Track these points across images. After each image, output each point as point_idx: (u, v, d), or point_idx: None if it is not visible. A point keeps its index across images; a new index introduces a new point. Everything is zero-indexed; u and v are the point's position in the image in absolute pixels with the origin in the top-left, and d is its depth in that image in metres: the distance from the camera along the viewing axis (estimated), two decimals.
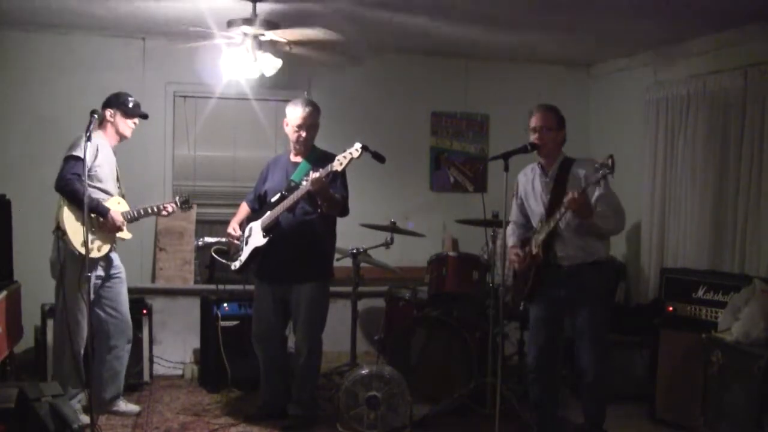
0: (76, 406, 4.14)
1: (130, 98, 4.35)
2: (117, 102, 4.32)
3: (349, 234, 4.79)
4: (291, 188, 4.24)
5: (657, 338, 4.66)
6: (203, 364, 5.25)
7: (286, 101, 4.62)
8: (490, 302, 4.58)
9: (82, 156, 3.78)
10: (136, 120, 4.40)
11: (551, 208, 3.96)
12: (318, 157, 4.29)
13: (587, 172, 3.80)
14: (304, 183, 4.13)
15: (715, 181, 4.98)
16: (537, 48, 5.85)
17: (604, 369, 4.03)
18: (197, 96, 5.86)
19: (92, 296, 4.20)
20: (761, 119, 4.64)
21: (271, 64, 4.60)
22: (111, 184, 4.33)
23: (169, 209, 4.50)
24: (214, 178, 6.03)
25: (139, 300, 5.01)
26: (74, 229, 4.08)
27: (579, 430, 4.34)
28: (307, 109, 4.31)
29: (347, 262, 4.94)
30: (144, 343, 5.00)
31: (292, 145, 4.41)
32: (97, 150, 4.17)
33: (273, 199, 4.30)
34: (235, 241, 4.45)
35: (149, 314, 5.08)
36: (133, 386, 4.87)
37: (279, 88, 5.65)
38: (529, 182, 4.17)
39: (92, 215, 4.14)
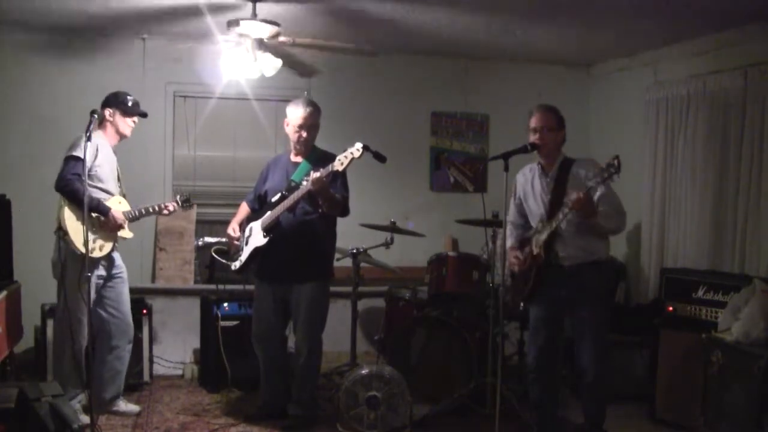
0: (76, 406, 4.14)
1: (129, 97, 4.35)
2: (116, 101, 4.32)
3: (349, 234, 4.79)
4: (291, 188, 4.24)
5: (657, 338, 4.66)
6: (203, 364, 5.25)
7: (286, 101, 4.62)
8: (490, 302, 4.58)
9: (82, 156, 3.79)
10: (136, 119, 4.40)
11: (552, 209, 3.96)
12: (318, 157, 4.29)
13: (590, 172, 3.79)
14: (304, 183, 4.13)
15: (715, 181, 4.98)
16: (537, 48, 5.85)
17: (604, 369, 4.03)
18: (197, 96, 5.86)
19: (94, 296, 4.21)
20: (761, 119, 4.64)
21: (271, 64, 4.60)
22: (112, 184, 4.33)
23: (170, 208, 4.51)
24: (214, 178, 6.04)
25: (139, 300, 5.01)
26: (75, 229, 4.08)
27: (579, 430, 4.34)
28: (308, 110, 4.31)
29: (347, 262, 4.94)
30: (144, 343, 5.00)
31: (292, 145, 4.41)
32: (97, 150, 4.17)
33: (273, 199, 4.30)
34: (235, 242, 4.45)
35: (149, 314, 5.08)
36: (133, 386, 4.87)
37: (279, 88, 5.65)
38: (528, 182, 4.17)
39: (93, 215, 4.14)
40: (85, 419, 3.87)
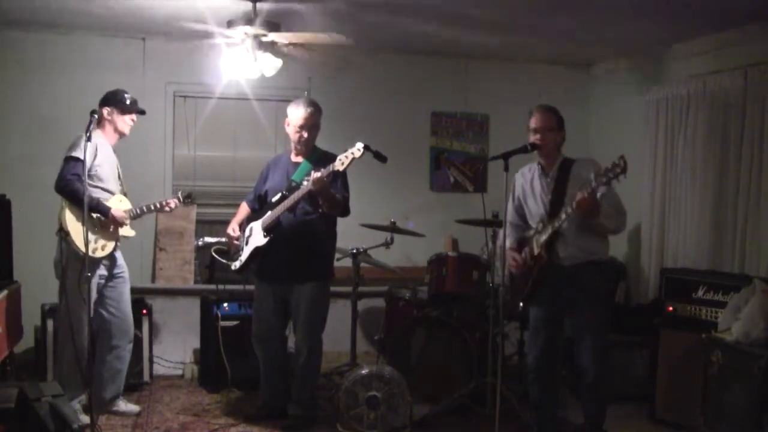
0: (76, 406, 4.14)
1: (126, 95, 4.35)
2: (114, 99, 4.32)
3: (349, 234, 4.79)
4: (292, 188, 4.24)
5: (657, 338, 4.66)
6: (203, 364, 5.24)
7: (287, 101, 4.62)
8: (490, 302, 4.58)
9: (82, 157, 3.79)
10: (134, 116, 4.39)
11: (552, 209, 3.95)
12: (319, 157, 4.29)
13: (591, 172, 3.77)
14: (305, 183, 4.13)
15: (715, 181, 4.98)
16: (537, 48, 5.85)
17: (604, 369, 4.03)
18: (197, 96, 5.87)
19: (95, 296, 4.21)
20: (761, 119, 4.64)
21: (271, 64, 4.60)
22: (112, 183, 4.33)
23: (172, 205, 4.51)
24: (214, 178, 6.04)
25: (139, 300, 5.00)
26: (77, 230, 4.07)
27: (579, 430, 4.34)
28: (309, 110, 4.31)
29: (347, 262, 4.94)
30: (144, 343, 5.00)
31: (293, 145, 4.41)
32: (97, 149, 4.16)
33: (274, 199, 4.30)
34: (235, 242, 4.45)
35: (149, 314, 5.08)
36: (133, 386, 4.87)
37: (279, 88, 5.65)
38: (528, 183, 4.16)
39: (94, 215, 4.14)
40: (85, 419, 3.87)
